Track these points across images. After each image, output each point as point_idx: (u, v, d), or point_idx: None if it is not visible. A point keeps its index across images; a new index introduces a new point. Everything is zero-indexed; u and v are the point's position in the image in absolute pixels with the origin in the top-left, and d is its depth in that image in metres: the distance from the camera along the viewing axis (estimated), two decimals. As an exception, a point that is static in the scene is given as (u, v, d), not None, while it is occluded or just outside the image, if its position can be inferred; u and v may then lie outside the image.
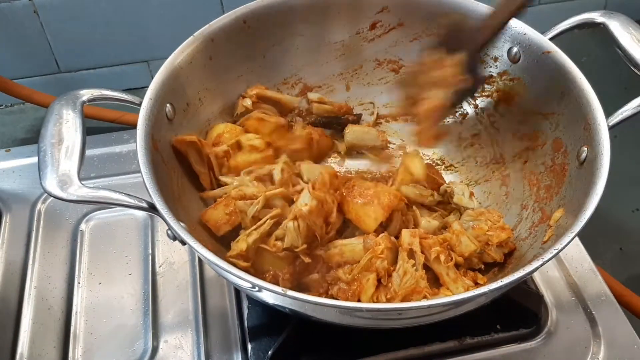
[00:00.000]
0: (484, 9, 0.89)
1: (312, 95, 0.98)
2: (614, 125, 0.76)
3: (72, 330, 0.85)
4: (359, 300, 0.74)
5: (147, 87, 0.78)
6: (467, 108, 0.97)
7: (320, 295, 0.77)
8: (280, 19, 0.92)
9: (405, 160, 0.88)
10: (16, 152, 1.09)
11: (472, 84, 0.84)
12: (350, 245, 0.78)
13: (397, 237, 0.80)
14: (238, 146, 0.87)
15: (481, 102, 0.95)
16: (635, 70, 0.78)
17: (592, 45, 1.20)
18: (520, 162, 0.90)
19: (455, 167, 0.98)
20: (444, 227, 0.86)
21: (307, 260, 0.77)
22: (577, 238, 0.82)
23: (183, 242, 0.66)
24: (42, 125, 0.72)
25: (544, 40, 0.84)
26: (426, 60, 0.85)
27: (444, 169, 0.98)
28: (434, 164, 0.98)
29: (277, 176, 0.83)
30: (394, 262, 0.77)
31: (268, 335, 0.80)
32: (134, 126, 0.74)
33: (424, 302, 0.61)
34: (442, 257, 0.77)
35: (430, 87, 0.83)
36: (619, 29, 0.80)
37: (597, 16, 0.83)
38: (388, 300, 0.74)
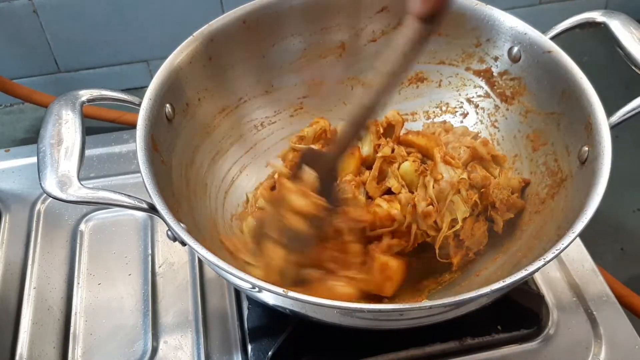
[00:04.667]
0: (484, 8, 0.89)
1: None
2: (615, 125, 0.75)
3: (71, 330, 0.85)
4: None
5: (147, 87, 0.78)
6: (468, 108, 0.97)
7: None
8: (280, 19, 0.92)
9: None
10: (15, 152, 1.09)
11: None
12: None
13: None
14: None
15: (482, 101, 0.95)
16: (636, 70, 0.77)
17: (593, 45, 1.19)
18: (520, 162, 0.90)
19: (455, 167, 0.97)
20: None
21: None
22: (578, 238, 0.82)
23: (183, 243, 0.66)
24: (42, 125, 0.71)
25: (544, 40, 0.84)
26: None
27: (444, 169, 0.97)
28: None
29: None
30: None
31: (268, 336, 0.80)
32: (133, 126, 0.74)
33: (426, 303, 0.61)
34: None
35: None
36: (619, 28, 0.80)
37: (597, 16, 0.82)
38: None
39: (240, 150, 0.95)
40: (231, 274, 0.62)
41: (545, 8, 1.30)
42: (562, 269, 0.89)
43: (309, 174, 0.73)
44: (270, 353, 0.77)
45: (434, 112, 1.00)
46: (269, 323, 0.82)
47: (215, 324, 0.85)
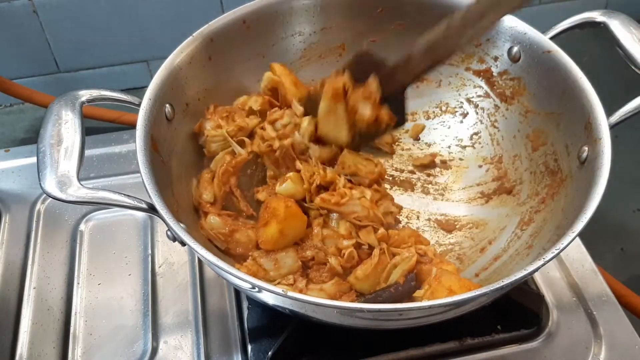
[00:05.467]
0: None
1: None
2: (615, 125, 0.76)
3: (71, 330, 0.85)
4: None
5: (147, 87, 0.78)
6: (468, 108, 0.97)
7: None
8: (280, 19, 0.92)
9: None
10: (15, 152, 1.09)
11: (387, 122, 0.79)
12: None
13: None
14: None
15: (481, 101, 0.95)
16: (636, 70, 0.78)
17: (593, 45, 1.19)
18: (520, 161, 0.90)
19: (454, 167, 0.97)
20: None
21: None
22: (578, 238, 0.82)
23: (183, 243, 0.66)
24: (41, 125, 0.72)
25: (544, 40, 0.84)
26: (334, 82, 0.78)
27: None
28: (434, 164, 0.98)
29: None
30: None
31: (268, 336, 0.80)
32: (133, 126, 0.74)
33: (425, 303, 0.61)
34: None
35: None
36: (619, 28, 0.80)
37: (597, 15, 0.83)
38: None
39: (240, 150, 0.94)
40: (231, 274, 0.62)
41: (545, 8, 1.30)
42: (562, 269, 0.89)
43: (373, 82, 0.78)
44: (270, 353, 0.77)
45: (434, 112, 1.00)
46: (269, 323, 0.82)
47: (215, 324, 0.85)
